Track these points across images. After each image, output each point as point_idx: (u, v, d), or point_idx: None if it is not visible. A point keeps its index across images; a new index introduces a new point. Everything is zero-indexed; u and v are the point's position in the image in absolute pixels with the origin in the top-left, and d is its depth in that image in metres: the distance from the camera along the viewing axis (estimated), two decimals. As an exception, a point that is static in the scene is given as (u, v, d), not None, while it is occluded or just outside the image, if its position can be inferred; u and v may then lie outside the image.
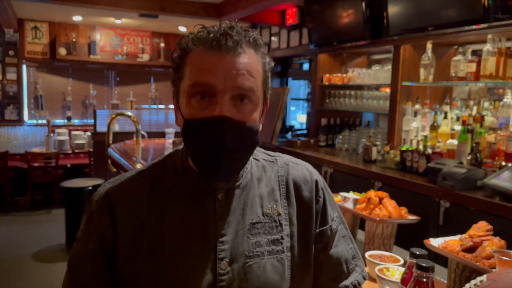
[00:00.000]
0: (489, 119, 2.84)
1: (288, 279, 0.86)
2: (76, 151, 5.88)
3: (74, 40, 6.68)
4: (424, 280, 0.87)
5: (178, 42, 0.83)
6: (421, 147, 3.01)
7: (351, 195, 1.49)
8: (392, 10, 3.32)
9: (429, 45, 3.12)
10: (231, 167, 0.82)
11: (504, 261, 0.94)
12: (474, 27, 2.74)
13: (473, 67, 2.86)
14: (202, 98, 0.78)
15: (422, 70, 3.19)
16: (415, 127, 3.24)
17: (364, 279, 0.95)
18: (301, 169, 0.95)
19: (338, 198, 1.52)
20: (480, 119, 2.84)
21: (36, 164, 5.45)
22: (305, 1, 4.32)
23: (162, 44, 7.17)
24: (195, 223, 0.83)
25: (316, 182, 0.94)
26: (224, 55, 0.77)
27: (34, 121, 6.60)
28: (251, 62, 0.80)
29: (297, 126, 5.59)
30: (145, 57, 7.01)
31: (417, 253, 0.92)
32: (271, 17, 5.22)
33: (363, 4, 3.61)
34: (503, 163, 2.57)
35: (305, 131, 4.80)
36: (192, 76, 0.78)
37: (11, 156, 5.50)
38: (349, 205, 1.45)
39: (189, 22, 6.13)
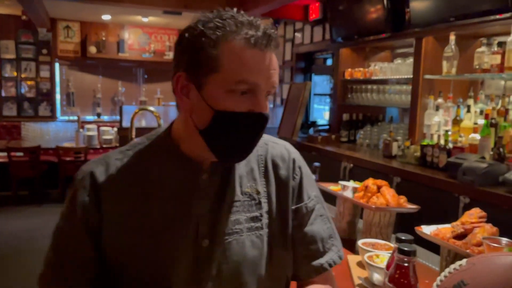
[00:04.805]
0: (514, 113, 2.72)
1: (267, 254, 0.89)
2: (104, 146, 6.06)
3: (103, 38, 6.88)
4: (405, 264, 0.85)
5: (206, 25, 0.81)
6: (442, 141, 2.93)
7: (351, 183, 1.47)
8: (414, 1, 3.23)
9: (452, 37, 3.02)
10: (250, 153, 0.88)
11: (492, 247, 0.90)
12: (497, 17, 2.64)
13: (497, 59, 2.75)
14: (242, 94, 0.80)
15: (444, 63, 3.09)
16: (437, 121, 3.15)
17: (340, 259, 0.96)
18: (280, 148, 0.97)
19: (337, 187, 1.50)
20: (505, 112, 2.73)
21: (67, 159, 5.67)
22: (327, -5, 4.28)
23: (188, 42, 7.26)
24: (178, 202, 0.86)
25: (294, 160, 0.96)
26: (266, 54, 0.81)
27: (66, 117, 6.85)
28: (276, 59, 0.85)
29: (323, 123, 5.54)
30: (172, 55, 7.11)
31: (403, 238, 0.90)
32: (294, 12, 5.19)
33: (385, -4, 3.54)
34: (528, 158, 2.46)
35: (328, 127, 4.76)
36: (238, 72, 0.79)
37: (44, 150, 5.73)
38: (348, 193, 1.43)
39: (214, 19, 6.17)
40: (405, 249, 0.85)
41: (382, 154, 3.47)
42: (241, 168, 0.91)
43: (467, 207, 2.52)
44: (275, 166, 0.94)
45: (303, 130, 4.81)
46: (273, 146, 0.97)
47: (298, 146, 4.40)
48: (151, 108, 4.11)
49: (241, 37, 0.79)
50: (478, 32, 3.06)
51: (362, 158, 3.47)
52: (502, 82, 3.14)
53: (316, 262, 0.93)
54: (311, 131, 4.86)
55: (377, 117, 4.33)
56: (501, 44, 2.84)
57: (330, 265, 0.94)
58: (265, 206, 0.90)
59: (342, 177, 3.62)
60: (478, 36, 3.16)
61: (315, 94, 5.75)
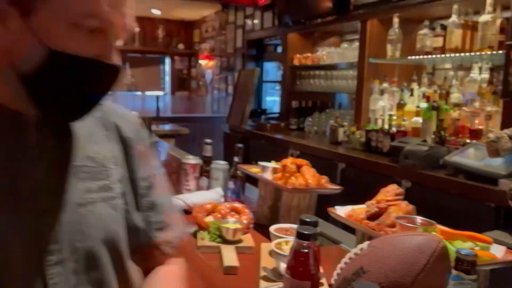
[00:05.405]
0: (455, 96, 2.69)
1: (124, 227, 0.75)
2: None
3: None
4: (304, 250, 0.71)
5: None
6: (386, 126, 2.87)
7: (271, 164, 1.34)
8: (358, -17, 3.15)
9: (395, 19, 2.96)
10: (89, 112, 0.69)
11: (405, 227, 0.79)
12: (438, -4, 2.59)
13: (439, 41, 2.72)
14: (89, 33, 0.62)
15: (389, 46, 3.04)
16: (382, 106, 3.10)
17: (186, 235, 0.90)
18: (121, 110, 0.84)
19: (257, 169, 1.37)
20: (446, 95, 2.70)
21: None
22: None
23: (137, 29, 6.96)
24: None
25: (138, 124, 0.86)
26: None
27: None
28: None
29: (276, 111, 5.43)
30: (119, 42, 6.80)
31: (306, 219, 0.76)
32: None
33: (330, -22, 3.44)
34: (468, 140, 2.44)
35: (278, 115, 4.65)
36: (89, 1, 0.60)
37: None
38: (268, 175, 1.30)
39: (162, 4, 5.92)
40: (304, 232, 0.71)
41: (328, 141, 3.40)
42: (79, 129, 0.73)
43: (409, 191, 2.46)
44: (119, 128, 0.79)
45: (254, 118, 4.68)
46: (113, 108, 0.82)
47: (247, 134, 4.27)
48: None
49: None
50: (421, 15, 3.02)
51: (308, 145, 3.39)
52: (451, 73, 3.08)
53: (162, 236, 0.82)
54: (263, 119, 4.74)
55: (326, 104, 4.26)
56: (444, 27, 2.81)
57: (177, 241, 0.85)
58: (114, 173, 0.75)
59: (289, 165, 3.52)
60: (421, 19, 3.12)
61: (266, 81, 5.63)
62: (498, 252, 0.76)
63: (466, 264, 0.57)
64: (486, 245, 0.77)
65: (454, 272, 0.59)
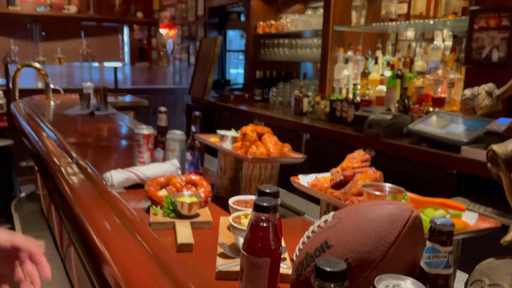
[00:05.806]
0: (418, 64, 2.67)
1: None
2: (-6, 112, 5.32)
3: (-13, -12, 5.93)
4: (263, 224, 0.63)
5: None
6: (350, 95, 2.83)
7: (231, 133, 1.25)
8: None
9: (361, -15, 2.88)
10: None
11: (373, 196, 0.73)
12: (403, -40, 2.51)
13: (404, 8, 2.66)
14: None
15: (354, 13, 2.96)
16: (346, 75, 3.04)
17: None
18: None
19: (216, 139, 1.27)
20: (410, 63, 2.67)
21: None
22: None
23: (92, -5, 6.54)
24: None
25: None
26: None
27: None
28: None
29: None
30: (72, 9, 6.37)
31: (266, 190, 0.68)
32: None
33: None
34: (431, 109, 2.43)
35: (242, 86, 4.53)
36: None
37: None
38: (227, 144, 1.21)
39: (117, -32, 5.54)
40: (262, 204, 0.63)
41: (293, 111, 3.33)
42: None
43: (373, 161, 2.45)
44: None
45: (217, 89, 4.53)
46: None
47: (210, 105, 4.13)
48: (36, 65, 3.59)
49: None
50: (387, -19, 2.95)
51: (273, 116, 3.31)
52: (414, 44, 3.05)
53: None
54: (226, 90, 4.60)
55: (291, 74, 4.18)
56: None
57: None
58: None
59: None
60: (387, -15, 3.05)
61: (230, 51, 5.46)
62: (470, 219, 0.72)
63: (442, 235, 0.51)
64: (458, 212, 0.72)
65: (428, 244, 0.53)
